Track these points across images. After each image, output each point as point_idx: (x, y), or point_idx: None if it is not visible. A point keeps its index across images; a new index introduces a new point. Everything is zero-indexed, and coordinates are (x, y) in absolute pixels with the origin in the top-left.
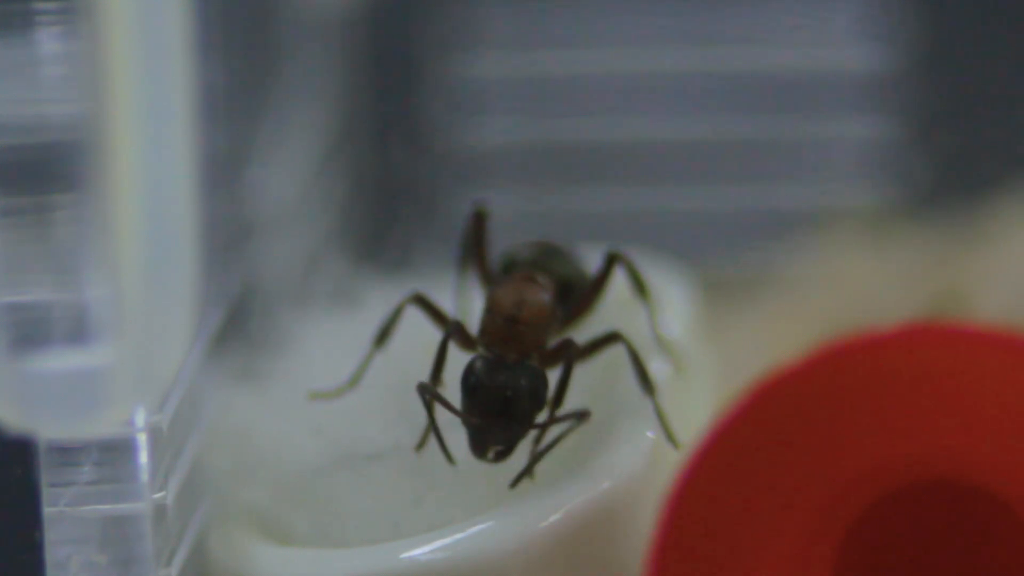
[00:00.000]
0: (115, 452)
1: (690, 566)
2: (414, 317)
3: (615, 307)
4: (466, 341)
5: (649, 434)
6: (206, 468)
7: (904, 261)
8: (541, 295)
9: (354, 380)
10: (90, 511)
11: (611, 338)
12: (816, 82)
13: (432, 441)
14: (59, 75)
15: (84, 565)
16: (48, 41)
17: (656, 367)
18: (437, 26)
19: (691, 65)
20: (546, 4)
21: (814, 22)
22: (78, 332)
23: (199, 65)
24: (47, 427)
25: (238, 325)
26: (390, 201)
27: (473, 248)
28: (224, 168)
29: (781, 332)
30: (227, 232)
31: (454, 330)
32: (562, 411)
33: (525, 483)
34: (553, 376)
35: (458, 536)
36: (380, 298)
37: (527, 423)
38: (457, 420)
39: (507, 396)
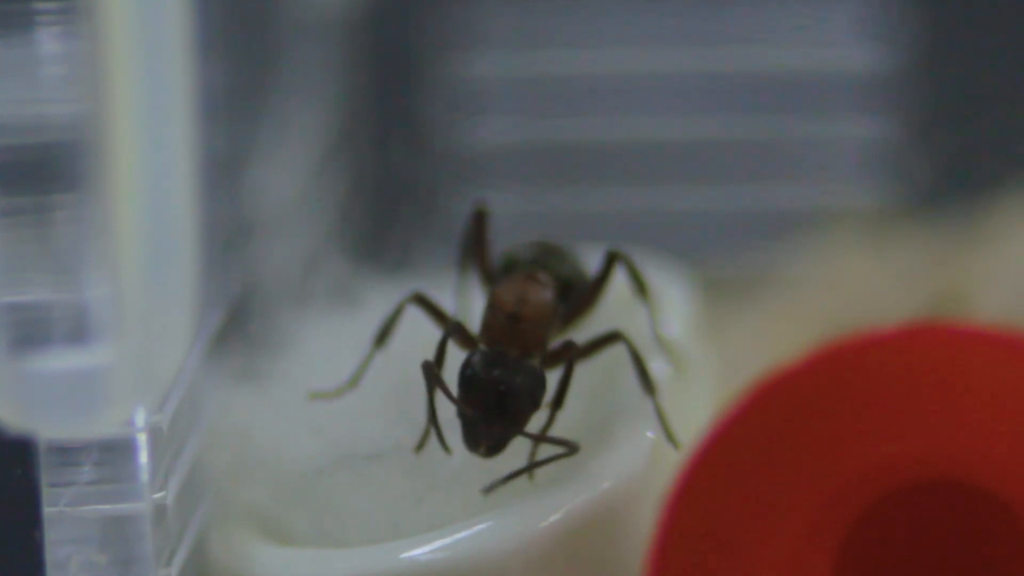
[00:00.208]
0: (115, 452)
1: (690, 566)
2: (414, 317)
3: (615, 307)
4: (466, 340)
5: (649, 434)
6: (206, 468)
7: (904, 261)
8: (543, 293)
9: (354, 380)
10: (90, 511)
11: (612, 337)
12: (816, 82)
13: (433, 439)
14: (59, 75)
15: (84, 565)
16: (48, 41)
17: (656, 367)
18: (437, 26)
19: (691, 65)
20: (546, 4)
21: (814, 22)
22: (78, 332)
23: (199, 65)
24: (47, 427)
25: (238, 325)
26: (390, 201)
27: (473, 247)
28: (224, 168)
29: (781, 332)
30: (227, 232)
31: (454, 329)
32: (556, 429)
33: (525, 483)
34: (554, 377)
35: (458, 536)
36: (380, 298)
37: (520, 421)
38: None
39: (500, 391)
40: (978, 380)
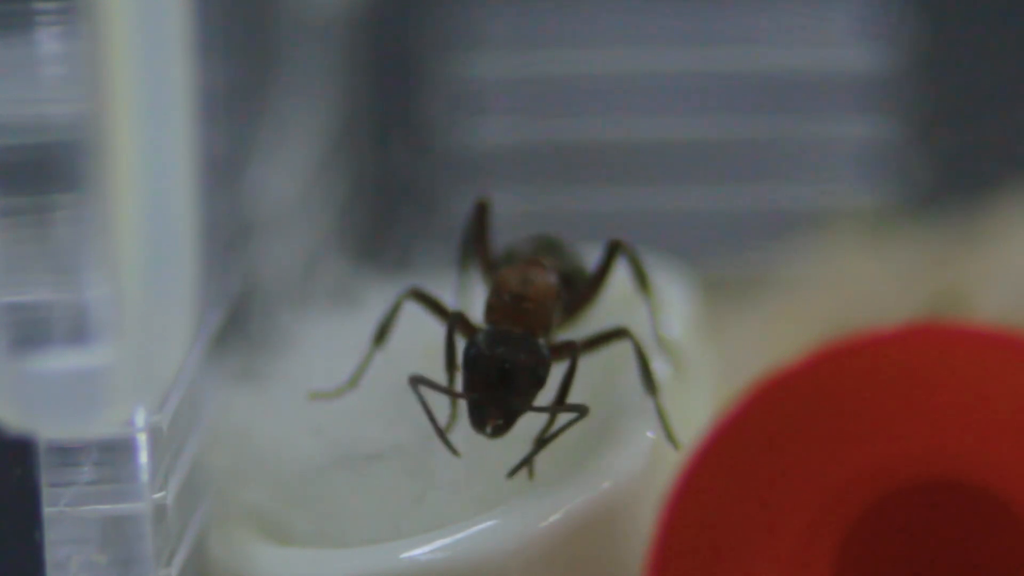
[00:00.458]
0: (115, 452)
1: (690, 566)
2: (414, 317)
3: (616, 305)
4: (469, 330)
5: (649, 434)
6: (206, 468)
7: (904, 261)
8: (547, 276)
9: (354, 380)
10: (90, 511)
11: (617, 333)
12: (816, 82)
13: (433, 439)
14: (59, 75)
15: (84, 565)
16: (48, 41)
17: (656, 367)
18: (437, 26)
19: (691, 65)
20: (546, 4)
21: (814, 22)
22: (78, 332)
23: (199, 65)
24: (47, 427)
25: (238, 325)
26: (390, 201)
27: (475, 239)
28: (224, 168)
29: (781, 332)
30: (227, 232)
31: (456, 320)
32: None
33: (525, 483)
34: (556, 375)
35: (458, 536)
36: (380, 298)
37: (526, 398)
38: (460, 417)
39: (505, 368)
40: (978, 380)
